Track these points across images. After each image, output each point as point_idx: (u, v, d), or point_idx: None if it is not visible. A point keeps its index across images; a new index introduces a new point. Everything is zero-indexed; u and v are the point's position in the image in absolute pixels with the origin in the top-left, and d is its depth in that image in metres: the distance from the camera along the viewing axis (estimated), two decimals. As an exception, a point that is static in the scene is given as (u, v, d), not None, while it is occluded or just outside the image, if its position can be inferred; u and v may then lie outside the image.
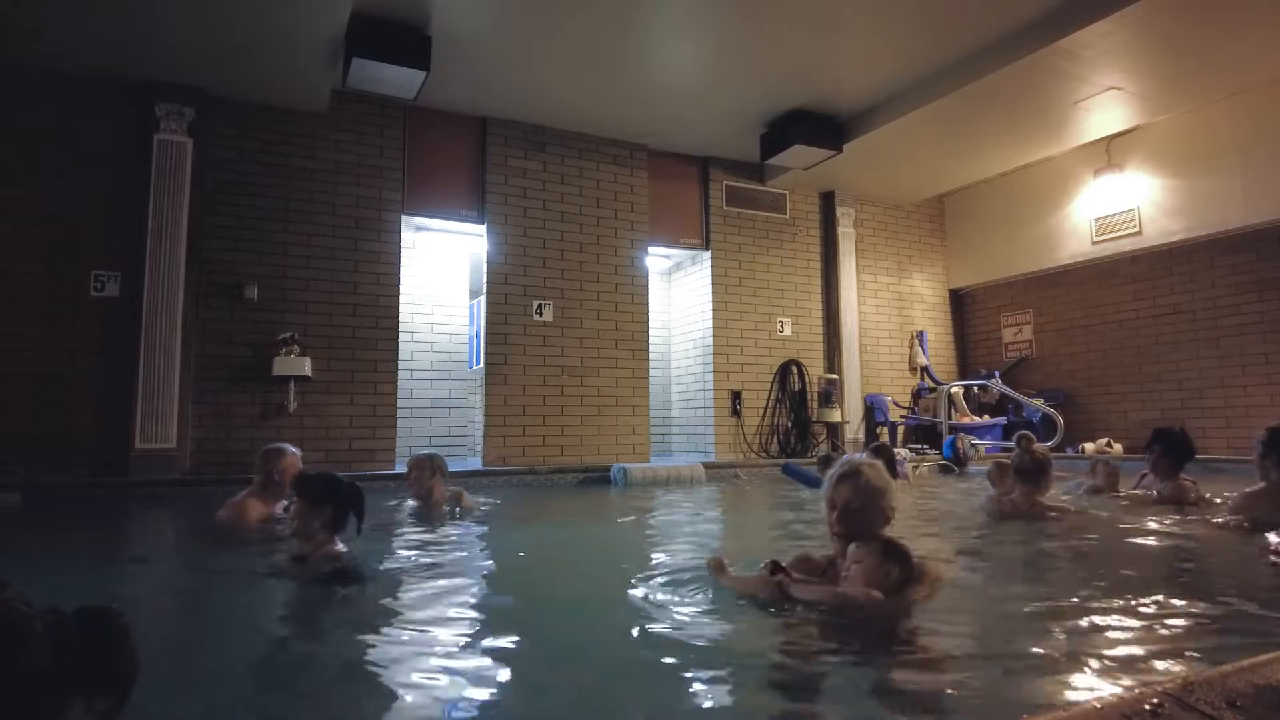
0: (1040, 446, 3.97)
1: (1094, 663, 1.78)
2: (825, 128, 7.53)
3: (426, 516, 4.32)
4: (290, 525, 2.93)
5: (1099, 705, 1.10)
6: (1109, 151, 8.09)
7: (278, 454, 3.90)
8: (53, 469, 5.46)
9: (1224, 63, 6.14)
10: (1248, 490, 3.64)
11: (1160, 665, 1.74)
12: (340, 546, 2.85)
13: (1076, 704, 1.10)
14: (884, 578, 2.01)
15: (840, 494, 2.19)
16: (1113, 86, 6.43)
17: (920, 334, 9.62)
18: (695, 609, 2.24)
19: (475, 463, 7.16)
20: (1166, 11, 5.27)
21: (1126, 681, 1.61)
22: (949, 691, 1.65)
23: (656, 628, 2.10)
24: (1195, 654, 1.81)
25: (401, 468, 6.24)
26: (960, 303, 10.07)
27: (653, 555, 3.23)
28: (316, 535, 2.84)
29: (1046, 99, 6.66)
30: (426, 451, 4.64)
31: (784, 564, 2.25)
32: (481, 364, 7.45)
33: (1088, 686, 1.62)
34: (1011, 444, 8.15)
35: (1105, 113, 6.98)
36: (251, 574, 2.92)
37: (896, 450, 7.80)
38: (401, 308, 6.91)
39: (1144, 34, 5.58)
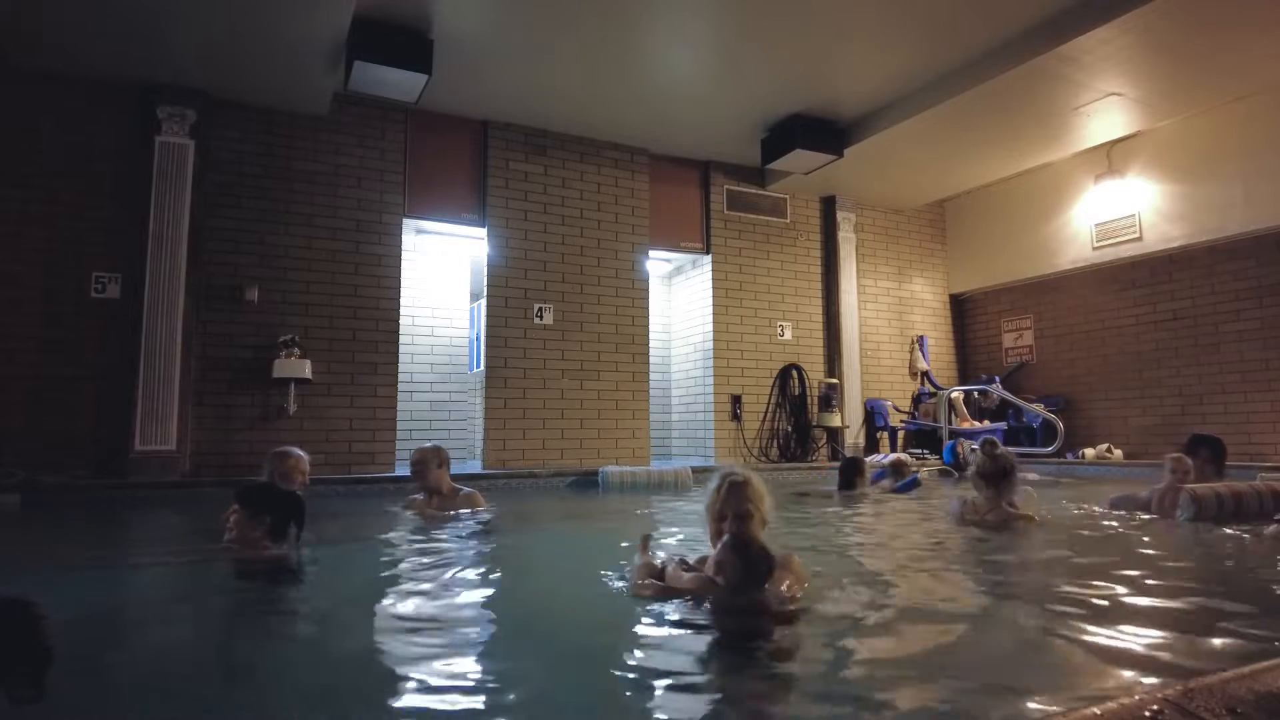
0: (1006, 451, 3.86)
1: (1093, 669, 1.78)
2: (826, 132, 7.55)
3: (431, 510, 4.32)
4: (230, 534, 2.96)
5: (1099, 712, 1.09)
6: (1110, 157, 8.10)
7: (283, 456, 3.93)
8: (52, 470, 5.45)
9: (1225, 69, 6.14)
10: None
11: (1160, 671, 1.74)
12: (280, 552, 2.92)
13: (1077, 711, 1.10)
14: (720, 570, 2.10)
15: (731, 504, 2.30)
16: (1113, 92, 6.44)
17: (920, 339, 9.62)
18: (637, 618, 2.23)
19: (475, 465, 7.16)
20: (1167, 17, 5.28)
21: (1127, 688, 1.61)
22: (946, 702, 1.64)
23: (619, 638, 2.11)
24: (1196, 660, 1.81)
25: (402, 471, 6.25)
26: (961, 308, 10.08)
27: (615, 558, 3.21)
28: (258, 544, 2.89)
29: (1047, 104, 6.67)
30: (431, 443, 4.64)
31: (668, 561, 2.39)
32: (482, 367, 7.45)
33: (1087, 693, 1.61)
34: (1013, 450, 8.15)
35: (1106, 118, 6.99)
36: (231, 576, 2.91)
37: (897, 455, 7.81)
38: (402, 311, 6.91)
39: (1145, 40, 5.59)
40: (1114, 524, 4.12)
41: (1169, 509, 3.96)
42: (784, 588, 2.15)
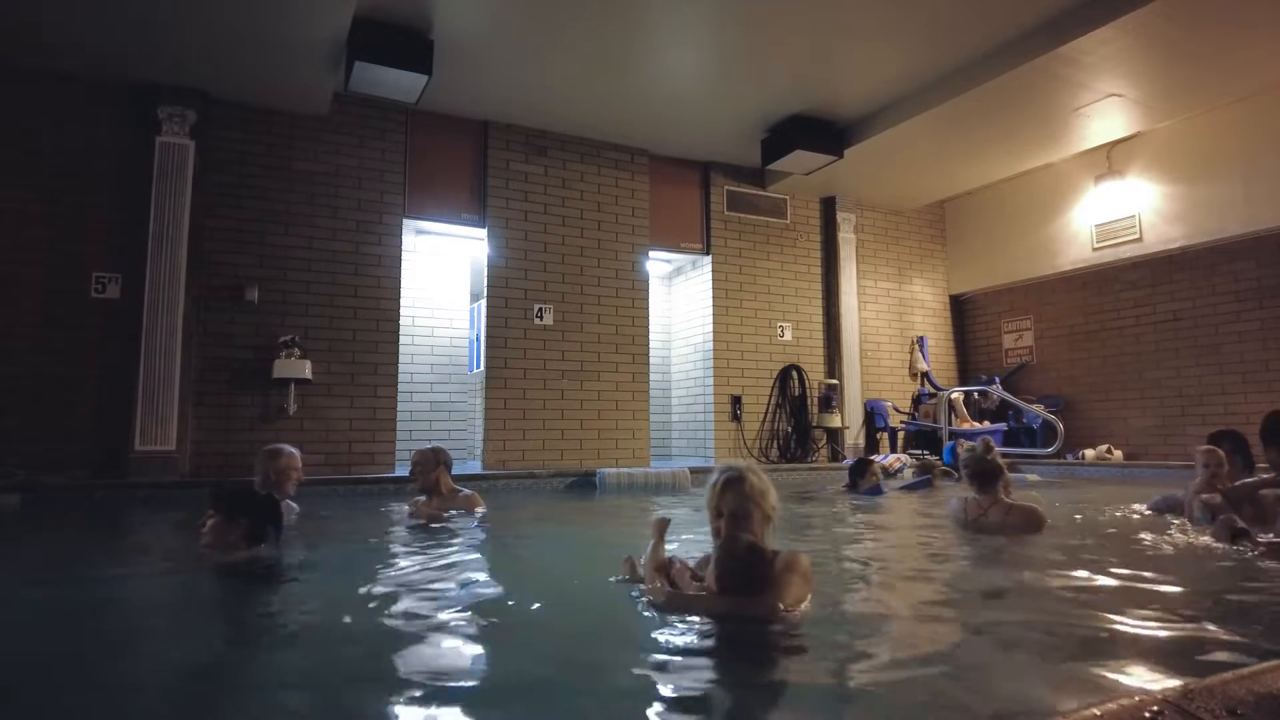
0: (995, 454, 3.86)
1: (1093, 670, 1.78)
2: (826, 133, 7.54)
3: (430, 511, 4.31)
4: (205, 539, 2.96)
5: (1099, 713, 1.09)
6: (1110, 158, 8.10)
7: (274, 454, 3.93)
8: (52, 470, 5.45)
9: (1225, 69, 6.14)
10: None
11: (1160, 672, 1.74)
12: (258, 554, 2.93)
13: (1077, 711, 1.10)
14: (715, 573, 2.07)
15: (727, 501, 2.21)
16: (1113, 93, 6.44)
17: (921, 339, 9.62)
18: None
19: (475, 466, 7.16)
20: (1167, 18, 5.28)
21: (1127, 689, 1.61)
22: (947, 704, 1.64)
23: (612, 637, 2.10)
24: (1195, 661, 1.81)
25: (402, 471, 6.25)
26: (961, 308, 10.07)
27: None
28: (236, 547, 2.90)
29: (1047, 105, 6.67)
30: (431, 444, 4.64)
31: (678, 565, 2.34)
32: (482, 367, 7.45)
33: (1087, 694, 1.61)
34: (1013, 451, 8.14)
35: (1106, 119, 6.99)
36: (217, 579, 2.91)
37: (896, 456, 7.82)
38: (402, 311, 6.91)
39: (1144, 41, 5.59)
40: (1116, 524, 4.11)
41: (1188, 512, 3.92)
42: (791, 593, 2.07)
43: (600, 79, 6.54)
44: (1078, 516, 4.51)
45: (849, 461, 6.73)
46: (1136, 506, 4.53)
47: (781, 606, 2.03)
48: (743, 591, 2.04)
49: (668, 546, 2.41)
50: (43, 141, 5.87)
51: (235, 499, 2.98)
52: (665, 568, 2.26)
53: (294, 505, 3.92)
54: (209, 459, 6.04)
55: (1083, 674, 1.76)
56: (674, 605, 2.14)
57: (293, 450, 3.99)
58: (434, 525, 4.13)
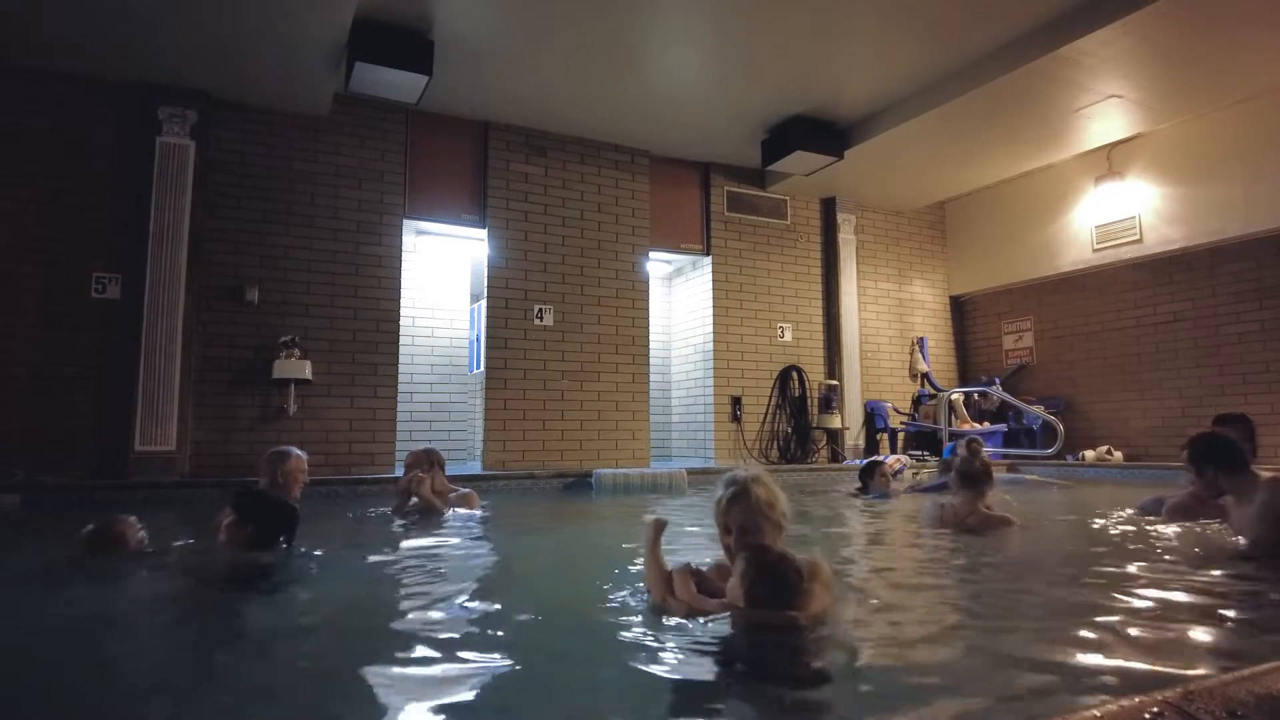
0: (985, 454, 3.84)
1: (1093, 671, 1.78)
2: (826, 134, 7.55)
3: (426, 512, 4.31)
4: (221, 536, 2.98)
5: (1099, 714, 1.09)
6: (1110, 159, 8.10)
7: (283, 456, 3.92)
8: (52, 470, 5.45)
9: (1226, 71, 6.14)
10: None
11: (1160, 674, 1.74)
12: (261, 554, 2.96)
13: (1077, 712, 1.10)
14: (743, 587, 1.96)
15: (734, 517, 2.14)
16: (1114, 94, 6.44)
17: (921, 340, 9.62)
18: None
19: (475, 467, 7.16)
20: (1168, 20, 5.28)
21: (1127, 690, 1.61)
22: (950, 706, 1.64)
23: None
24: (1195, 662, 1.81)
25: (401, 471, 6.24)
26: (961, 309, 10.07)
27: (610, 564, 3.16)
28: (243, 547, 2.94)
29: (1047, 106, 6.67)
30: (423, 446, 4.64)
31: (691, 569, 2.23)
32: (482, 368, 7.45)
33: (1087, 695, 1.61)
34: (1012, 452, 8.13)
35: (1106, 120, 6.99)
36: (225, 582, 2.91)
37: (896, 457, 7.81)
38: (402, 311, 6.91)
39: (1145, 42, 5.59)
40: (1116, 525, 4.11)
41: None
42: (816, 603, 1.98)
43: (600, 79, 6.54)
44: (1075, 518, 4.50)
45: (850, 462, 6.72)
46: (1128, 513, 4.50)
47: (806, 622, 1.94)
48: (776, 605, 1.94)
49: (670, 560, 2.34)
50: (43, 141, 5.87)
51: (254, 505, 3.00)
52: (669, 580, 2.15)
53: (294, 507, 3.92)
54: (209, 459, 6.04)
55: (1083, 674, 1.76)
56: (691, 618, 2.05)
57: (301, 453, 3.99)
58: (429, 525, 4.12)
